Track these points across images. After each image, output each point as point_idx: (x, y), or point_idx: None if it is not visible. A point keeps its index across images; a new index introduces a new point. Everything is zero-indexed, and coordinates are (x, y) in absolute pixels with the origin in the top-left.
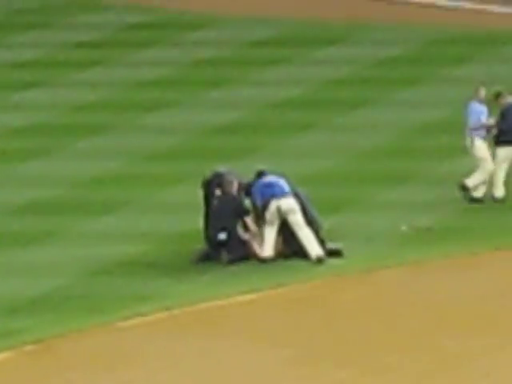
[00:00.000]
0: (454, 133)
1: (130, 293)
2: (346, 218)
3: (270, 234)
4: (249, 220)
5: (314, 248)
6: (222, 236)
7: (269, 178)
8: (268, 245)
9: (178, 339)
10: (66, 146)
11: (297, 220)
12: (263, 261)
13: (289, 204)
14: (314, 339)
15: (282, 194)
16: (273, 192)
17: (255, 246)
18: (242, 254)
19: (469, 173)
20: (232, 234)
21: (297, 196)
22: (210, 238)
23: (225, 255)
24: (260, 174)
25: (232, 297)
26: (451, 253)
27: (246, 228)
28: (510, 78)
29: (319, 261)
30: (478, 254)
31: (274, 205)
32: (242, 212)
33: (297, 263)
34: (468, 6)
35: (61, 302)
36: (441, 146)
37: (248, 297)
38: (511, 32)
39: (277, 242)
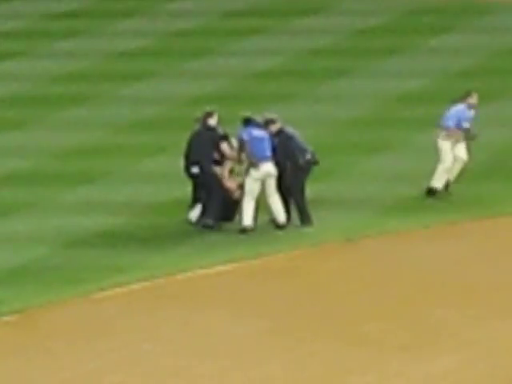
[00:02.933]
0: (432, 102)
1: (108, 264)
2: (326, 188)
3: (249, 203)
4: (225, 146)
5: (280, 215)
6: (195, 170)
7: (256, 133)
8: (247, 215)
9: (157, 310)
10: (44, 117)
11: (269, 185)
12: (243, 230)
13: (268, 168)
14: (293, 310)
15: (264, 157)
16: (260, 154)
17: (230, 184)
18: (217, 199)
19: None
20: (204, 168)
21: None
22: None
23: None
24: (247, 122)
25: (211, 267)
26: (430, 222)
27: (222, 159)
28: (487, 48)
29: (281, 227)
30: (457, 223)
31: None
32: (217, 138)
33: (277, 233)
34: None
35: (39, 272)
36: (419, 115)
37: (227, 267)
38: (488, 2)
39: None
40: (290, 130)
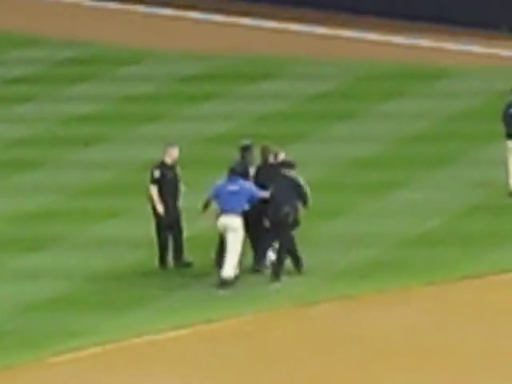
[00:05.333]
0: (385, 167)
1: (61, 328)
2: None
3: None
4: (153, 188)
5: (225, 269)
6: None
7: (232, 188)
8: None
9: (110, 375)
10: None
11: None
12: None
13: (232, 222)
14: (244, 376)
15: (231, 209)
16: (223, 205)
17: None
18: None
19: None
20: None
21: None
22: None
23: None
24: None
25: (163, 332)
26: (383, 287)
27: None
28: (439, 112)
29: (223, 282)
30: (409, 288)
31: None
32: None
33: (229, 297)
34: (397, 40)
35: None
36: (371, 180)
37: (179, 332)
38: (439, 67)
39: None
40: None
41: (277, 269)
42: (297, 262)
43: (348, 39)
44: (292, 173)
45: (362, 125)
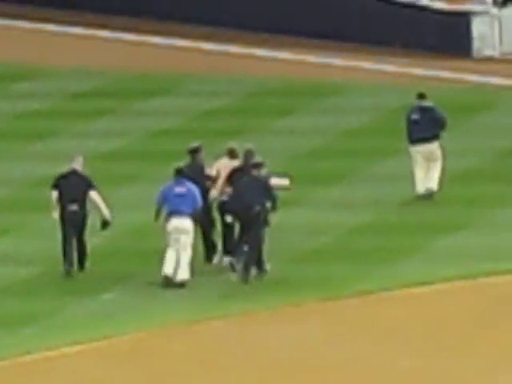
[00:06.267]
0: None
1: None
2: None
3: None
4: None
5: (167, 267)
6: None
7: (179, 190)
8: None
9: None
10: None
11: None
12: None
13: (183, 224)
14: None
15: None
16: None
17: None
18: None
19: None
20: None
21: None
22: None
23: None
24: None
25: (57, 349)
26: (275, 304)
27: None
28: (333, 128)
29: (166, 279)
30: (301, 304)
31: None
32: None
33: (123, 313)
34: (285, 56)
35: None
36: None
37: (73, 349)
38: (331, 83)
39: None
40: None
41: (248, 268)
42: (260, 264)
43: (238, 55)
44: (262, 172)
45: (255, 141)
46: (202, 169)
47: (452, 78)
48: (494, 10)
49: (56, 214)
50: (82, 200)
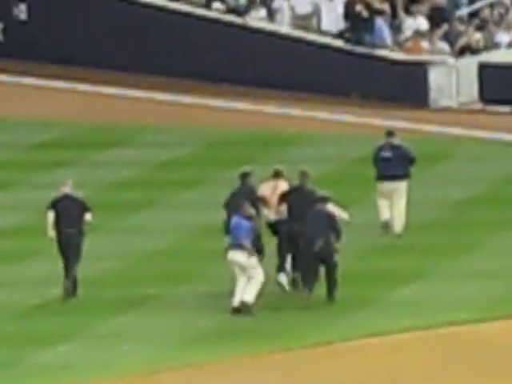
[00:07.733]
0: None
1: None
2: (130, 320)
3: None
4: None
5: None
6: None
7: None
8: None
9: None
10: None
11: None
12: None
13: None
14: None
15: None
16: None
17: None
18: None
19: None
20: None
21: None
22: None
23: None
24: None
25: None
26: (235, 354)
27: None
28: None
29: (239, 308)
30: (257, 355)
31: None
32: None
33: (79, 364)
34: (244, 106)
35: None
36: (220, 246)
37: None
38: (290, 133)
39: None
40: None
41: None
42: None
43: (195, 106)
44: (328, 207)
45: (212, 192)
46: (253, 191)
47: (409, 128)
48: (451, 61)
49: (52, 233)
50: (79, 223)
